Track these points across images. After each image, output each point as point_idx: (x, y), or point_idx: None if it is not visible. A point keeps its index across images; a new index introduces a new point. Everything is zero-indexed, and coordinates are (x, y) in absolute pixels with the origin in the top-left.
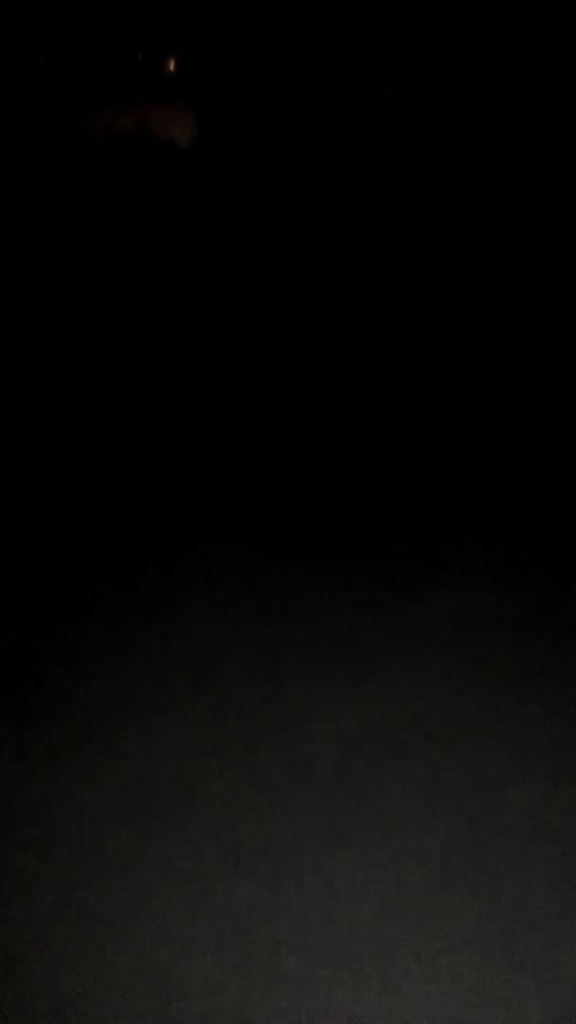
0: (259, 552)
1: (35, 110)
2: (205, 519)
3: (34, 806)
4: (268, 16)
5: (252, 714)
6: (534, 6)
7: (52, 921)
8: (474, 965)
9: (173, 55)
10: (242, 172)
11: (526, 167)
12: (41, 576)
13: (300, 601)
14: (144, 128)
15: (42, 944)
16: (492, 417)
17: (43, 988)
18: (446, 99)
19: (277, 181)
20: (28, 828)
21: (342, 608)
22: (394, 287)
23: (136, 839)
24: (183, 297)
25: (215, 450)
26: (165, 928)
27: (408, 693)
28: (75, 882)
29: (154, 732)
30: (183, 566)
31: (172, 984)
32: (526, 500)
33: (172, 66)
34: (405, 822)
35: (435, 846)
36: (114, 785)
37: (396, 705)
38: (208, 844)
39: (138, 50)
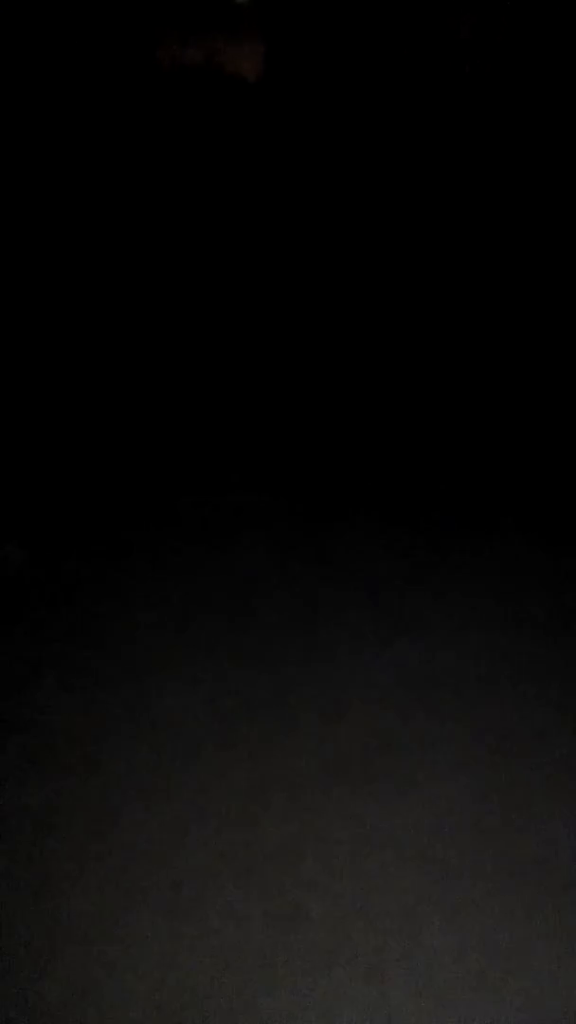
0: (299, 510)
1: (104, 39)
2: (253, 481)
3: (74, 734)
4: None
5: (288, 660)
6: None
7: (82, 850)
8: (500, 918)
9: None
10: (309, 111)
11: None
12: (89, 517)
13: (341, 556)
14: (212, 60)
15: (73, 866)
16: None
17: (75, 912)
18: (527, 45)
19: (344, 125)
20: (68, 753)
21: (383, 563)
22: (448, 250)
23: (168, 774)
24: (242, 241)
25: (268, 416)
26: (192, 861)
27: (444, 648)
28: (109, 808)
29: (189, 668)
30: (225, 515)
31: (199, 917)
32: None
33: None
34: (436, 774)
35: (465, 799)
36: (149, 718)
37: (432, 659)
38: (237, 784)
39: None
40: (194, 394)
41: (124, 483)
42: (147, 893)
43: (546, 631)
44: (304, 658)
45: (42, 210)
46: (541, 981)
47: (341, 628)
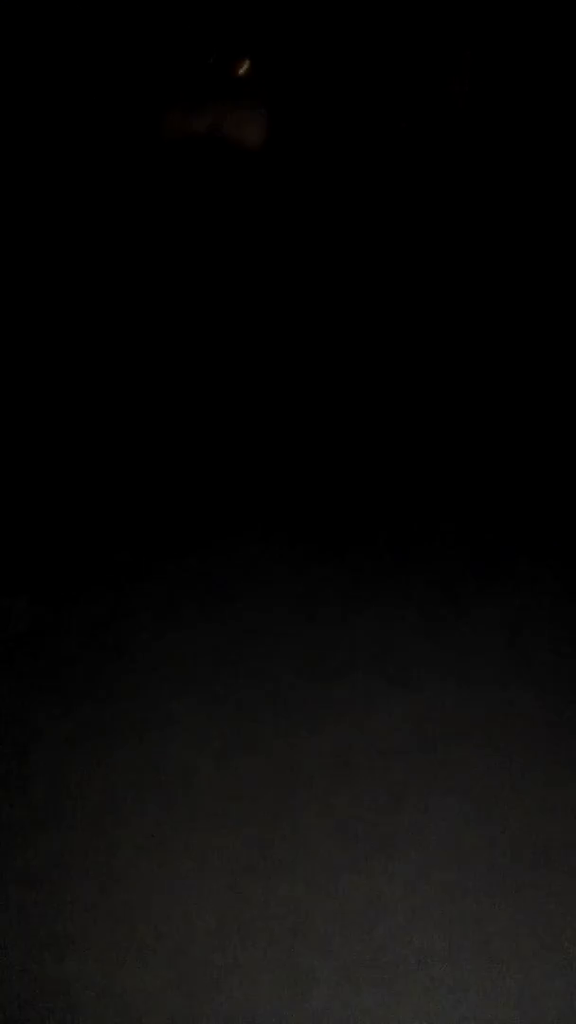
0: (310, 557)
1: (107, 110)
2: (261, 523)
3: (79, 794)
4: (340, 17)
5: (293, 712)
6: None
7: (91, 909)
8: (516, 974)
9: (246, 57)
10: (314, 175)
11: None
12: (92, 568)
13: (348, 603)
14: (215, 130)
15: (81, 929)
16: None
17: (79, 975)
18: (522, 105)
19: (350, 185)
20: (73, 814)
21: (390, 613)
22: (465, 297)
23: (175, 831)
24: (249, 296)
25: (277, 452)
26: (199, 920)
27: (455, 702)
28: (116, 869)
29: (195, 724)
30: (234, 565)
31: (205, 978)
32: None
33: (244, 68)
34: (444, 826)
35: (476, 852)
36: (156, 775)
37: (440, 712)
38: (245, 841)
39: (211, 52)
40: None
41: (127, 531)
42: (154, 955)
43: (555, 681)
44: (312, 712)
45: (43, 278)
46: None
47: (349, 680)
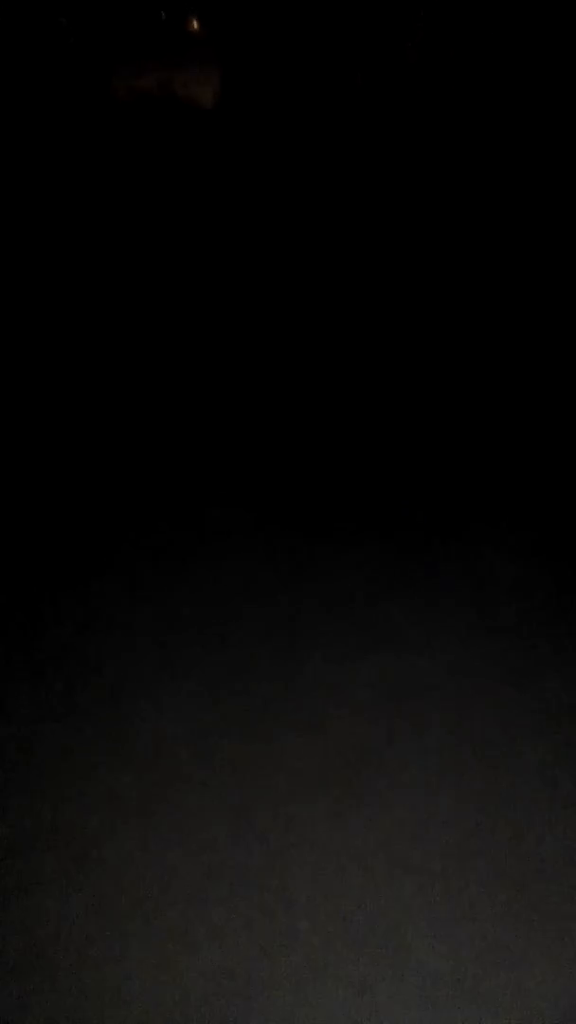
0: (276, 525)
1: (59, 70)
2: (229, 496)
3: (53, 765)
4: None
5: (266, 677)
6: None
7: (65, 879)
8: (487, 930)
9: (196, 14)
10: (265, 132)
11: (553, 138)
12: (62, 541)
13: (316, 569)
14: (167, 87)
15: (57, 894)
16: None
17: (54, 943)
18: (473, 62)
19: (300, 144)
20: (47, 785)
21: (358, 576)
22: (416, 263)
23: (151, 799)
24: (203, 263)
25: (246, 431)
26: (177, 886)
27: (421, 659)
28: (92, 839)
29: (170, 693)
30: (202, 536)
31: (185, 942)
32: (545, 476)
33: (196, 25)
34: (417, 786)
35: (447, 809)
36: (129, 744)
37: (410, 672)
38: (221, 806)
39: (161, 9)
40: (169, 404)
41: (94, 503)
42: (133, 918)
43: (518, 637)
44: (282, 674)
45: None
46: (529, 985)
47: (318, 643)
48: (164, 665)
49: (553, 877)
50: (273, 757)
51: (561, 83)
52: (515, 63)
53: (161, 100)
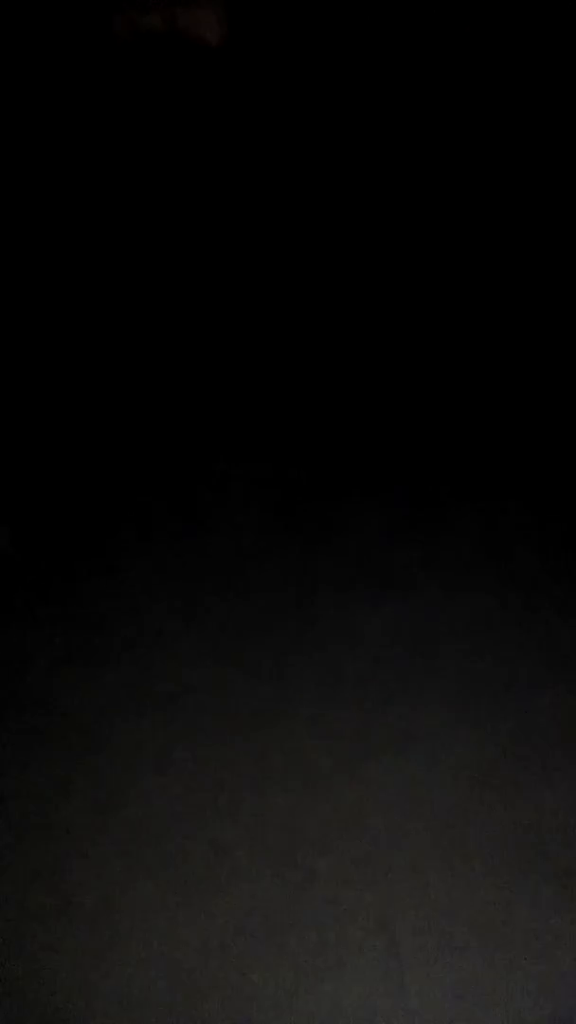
0: (287, 480)
1: (58, 7)
2: (242, 449)
3: (73, 714)
4: None
5: (281, 626)
6: None
7: (90, 825)
8: (503, 869)
9: None
10: (278, 70)
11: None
12: (75, 495)
13: (331, 520)
14: (172, 25)
15: (82, 846)
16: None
17: (81, 888)
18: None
19: (315, 80)
20: (68, 735)
21: (372, 526)
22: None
23: (171, 746)
24: (211, 211)
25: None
26: (199, 831)
27: (439, 607)
28: (114, 785)
29: (186, 643)
30: (213, 488)
31: (208, 884)
32: (562, 424)
33: None
34: (433, 729)
35: (464, 752)
36: (147, 693)
37: (425, 621)
38: (240, 753)
39: None
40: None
41: (109, 456)
42: (156, 865)
43: (534, 585)
44: (298, 624)
45: None
46: (546, 929)
47: (334, 592)
48: (181, 615)
49: (570, 817)
50: (290, 704)
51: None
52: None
53: (165, 38)
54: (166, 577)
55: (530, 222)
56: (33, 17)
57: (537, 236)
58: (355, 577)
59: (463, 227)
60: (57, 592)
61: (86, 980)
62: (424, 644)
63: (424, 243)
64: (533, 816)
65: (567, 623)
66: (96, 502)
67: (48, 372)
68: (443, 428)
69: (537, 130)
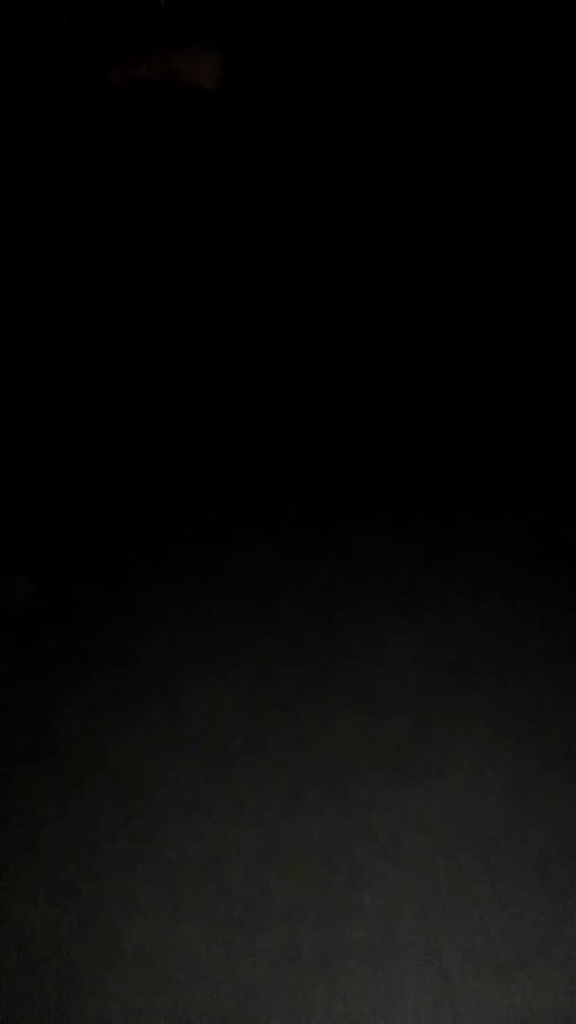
0: (312, 504)
1: (57, 62)
2: (263, 474)
3: (106, 756)
4: None
5: (310, 655)
6: None
7: (129, 870)
8: (549, 891)
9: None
10: (274, 115)
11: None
12: (99, 530)
13: (356, 543)
14: (168, 73)
15: (123, 892)
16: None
17: (124, 935)
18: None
19: (307, 124)
20: (103, 776)
21: (395, 554)
22: (434, 246)
23: (206, 782)
24: (208, 246)
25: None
26: (240, 863)
27: (467, 626)
28: (152, 826)
29: (218, 677)
30: (238, 517)
31: (250, 924)
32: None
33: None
34: (472, 751)
35: (505, 772)
36: (181, 729)
37: (456, 637)
38: (276, 787)
39: None
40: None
41: (123, 496)
42: (197, 903)
43: (566, 601)
44: (329, 652)
45: None
46: None
47: (362, 618)
48: (208, 652)
49: None
50: (323, 734)
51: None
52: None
53: (162, 85)
54: (191, 612)
55: (528, 240)
56: (30, 71)
57: (535, 252)
58: (381, 600)
59: (459, 253)
60: (84, 635)
61: (139, 1017)
62: (457, 664)
63: (420, 267)
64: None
65: None
66: (112, 539)
67: (52, 411)
68: (453, 442)
69: (531, 143)
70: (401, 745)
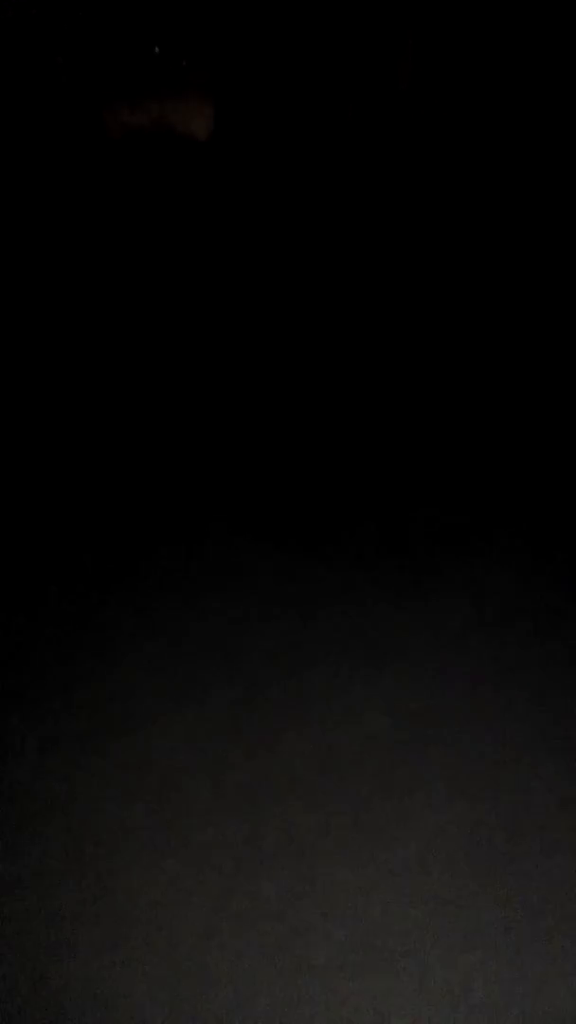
0: (281, 547)
1: (52, 108)
2: (227, 517)
3: (61, 799)
4: (284, 6)
5: (274, 705)
6: None
7: (80, 914)
8: (503, 953)
9: (189, 47)
10: (261, 163)
11: (547, 158)
12: (64, 570)
13: (321, 591)
14: (161, 122)
15: (71, 937)
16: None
17: (71, 982)
18: (463, 87)
19: (296, 171)
20: (56, 819)
21: (363, 600)
22: (413, 283)
23: (163, 830)
24: (200, 290)
25: (231, 447)
26: (189, 918)
27: (432, 682)
28: (103, 872)
29: (179, 723)
30: (205, 560)
31: (198, 975)
32: (552, 493)
33: (187, 60)
34: (429, 810)
35: (460, 834)
36: (140, 776)
37: (420, 690)
38: (233, 835)
39: (155, 44)
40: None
41: (92, 533)
42: (146, 957)
43: (530, 653)
44: (292, 703)
45: None
46: (545, 1010)
47: (327, 668)
48: (172, 695)
49: (568, 897)
50: (284, 785)
51: (550, 105)
52: (506, 89)
53: (155, 134)
54: (158, 654)
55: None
56: (24, 118)
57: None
58: (348, 648)
59: (449, 290)
60: (46, 674)
61: None
62: (420, 717)
63: (404, 314)
64: (533, 896)
65: (563, 687)
66: (76, 580)
67: (25, 439)
68: (428, 492)
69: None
70: (361, 799)
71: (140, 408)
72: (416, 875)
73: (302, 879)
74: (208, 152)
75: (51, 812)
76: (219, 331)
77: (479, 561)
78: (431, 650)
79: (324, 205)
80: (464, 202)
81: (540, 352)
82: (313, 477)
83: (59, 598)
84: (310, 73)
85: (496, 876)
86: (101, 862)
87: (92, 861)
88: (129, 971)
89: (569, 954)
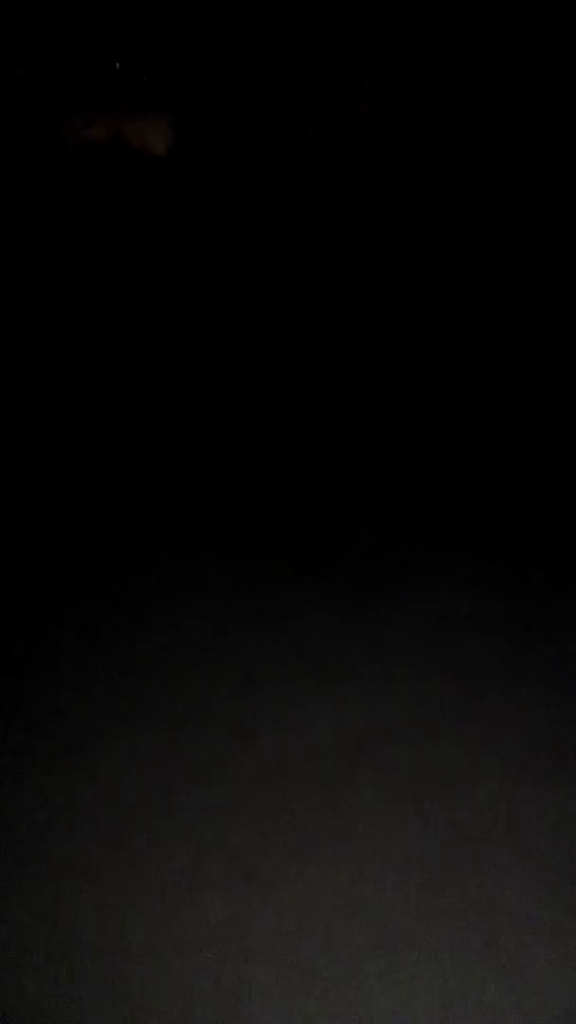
0: (236, 561)
1: (10, 120)
2: (184, 527)
3: (6, 821)
4: (245, 25)
5: (226, 723)
6: (507, 18)
7: (25, 937)
8: (451, 970)
9: (149, 64)
10: (216, 178)
11: (503, 172)
12: (15, 586)
13: (275, 608)
14: (119, 137)
15: (10, 959)
16: (483, 424)
17: (12, 997)
18: (421, 108)
19: (252, 189)
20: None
21: (318, 615)
22: (373, 295)
23: (109, 853)
24: (161, 305)
25: (195, 460)
26: (136, 942)
27: (382, 698)
28: (49, 897)
29: (127, 743)
30: (158, 573)
31: (145, 997)
32: (508, 508)
33: (146, 76)
34: (380, 828)
35: (411, 851)
36: (87, 798)
37: (371, 711)
38: (180, 856)
39: (115, 59)
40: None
41: (41, 555)
42: (89, 979)
43: (478, 675)
44: (242, 722)
45: None
46: None
47: (277, 687)
48: (123, 713)
49: (518, 914)
50: (231, 805)
51: (503, 126)
52: (462, 113)
53: (112, 148)
54: (100, 676)
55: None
56: None
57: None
58: (299, 670)
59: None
60: None
61: None
62: (369, 737)
63: (371, 334)
64: (476, 915)
65: (512, 713)
66: (23, 597)
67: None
68: (375, 512)
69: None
70: (307, 819)
71: (84, 427)
72: (362, 895)
73: (247, 902)
74: (166, 167)
75: None
76: (162, 347)
77: (427, 580)
78: (379, 671)
79: (283, 217)
80: (419, 204)
81: (502, 389)
82: (265, 496)
83: (6, 613)
84: (270, 94)
85: (446, 895)
86: (45, 886)
87: (35, 882)
88: (68, 986)
89: (519, 972)
